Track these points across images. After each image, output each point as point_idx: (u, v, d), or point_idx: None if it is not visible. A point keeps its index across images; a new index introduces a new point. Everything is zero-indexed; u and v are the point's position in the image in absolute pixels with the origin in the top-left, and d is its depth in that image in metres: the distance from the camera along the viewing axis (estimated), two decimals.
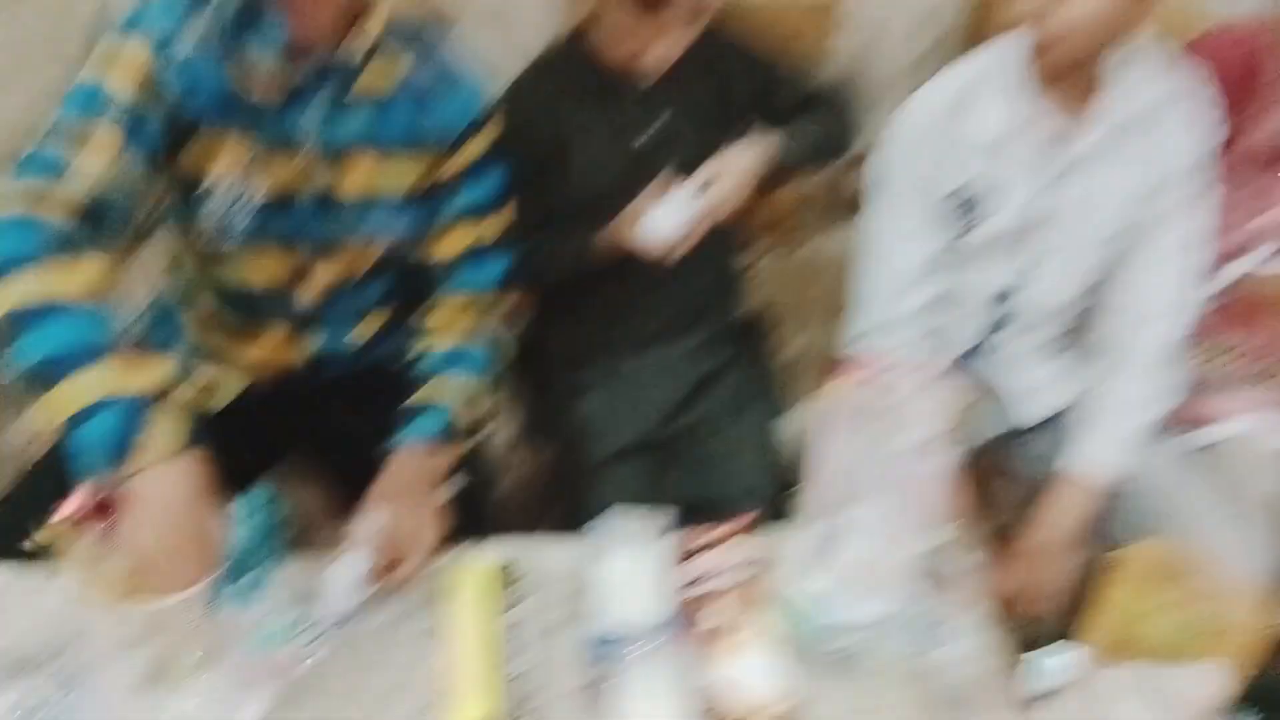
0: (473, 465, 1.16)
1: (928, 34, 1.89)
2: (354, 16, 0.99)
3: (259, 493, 0.81)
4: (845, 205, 1.48)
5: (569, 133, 1.26)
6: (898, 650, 0.96)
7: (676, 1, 1.14)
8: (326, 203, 1.05)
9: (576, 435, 1.32)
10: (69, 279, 0.83)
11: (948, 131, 1.21)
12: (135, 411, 0.78)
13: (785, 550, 1.02)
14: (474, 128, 1.09)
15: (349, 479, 1.15)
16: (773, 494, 1.27)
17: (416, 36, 1.06)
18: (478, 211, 1.13)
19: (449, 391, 1.09)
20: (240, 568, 0.77)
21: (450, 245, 1.14)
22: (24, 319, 0.81)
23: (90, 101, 0.91)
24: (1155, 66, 1.20)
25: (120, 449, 0.77)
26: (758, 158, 1.25)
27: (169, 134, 0.95)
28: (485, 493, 1.24)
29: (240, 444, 1.06)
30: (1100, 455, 1.24)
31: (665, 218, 1.20)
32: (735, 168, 1.23)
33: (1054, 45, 1.12)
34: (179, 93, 0.95)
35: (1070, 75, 1.16)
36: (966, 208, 1.23)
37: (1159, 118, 1.19)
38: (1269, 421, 1.35)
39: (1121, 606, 0.96)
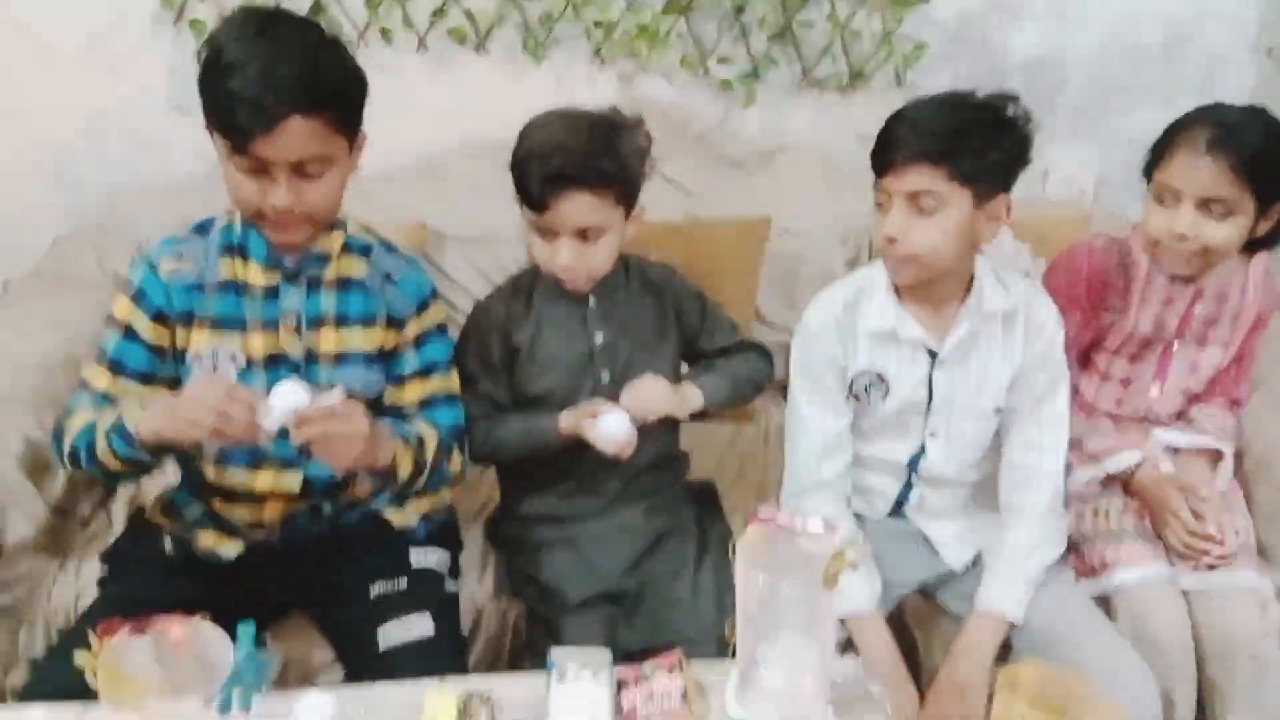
0: (451, 618, 1.33)
1: (850, 241, 2.16)
2: (324, 228, 1.31)
3: (248, 623, 0.96)
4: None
5: (540, 327, 1.50)
6: None
7: (560, 229, 1.39)
8: (309, 359, 1.33)
9: (542, 590, 1.47)
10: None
11: (845, 324, 1.45)
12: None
13: (718, 682, 1.16)
14: (418, 309, 1.39)
15: (337, 631, 1.33)
16: (719, 639, 1.41)
17: (370, 247, 1.38)
18: (426, 371, 1.40)
19: (426, 431, 1.35)
20: (234, 682, 0.91)
21: (409, 394, 1.40)
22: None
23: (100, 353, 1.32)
24: (1009, 272, 1.46)
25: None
26: (678, 404, 1.47)
27: (161, 341, 1.30)
28: (464, 643, 1.41)
29: (239, 599, 1.25)
30: (1004, 593, 1.41)
31: (614, 425, 1.41)
32: (653, 402, 1.44)
33: (904, 267, 1.37)
34: (161, 307, 1.29)
35: (928, 286, 1.40)
36: (868, 386, 1.46)
37: (1015, 317, 1.43)
38: (1159, 570, 1.51)
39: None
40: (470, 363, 1.51)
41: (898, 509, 1.56)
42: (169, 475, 1.44)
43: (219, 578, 1.35)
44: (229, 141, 1.18)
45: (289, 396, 1.16)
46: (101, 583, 1.39)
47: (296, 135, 1.17)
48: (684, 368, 1.63)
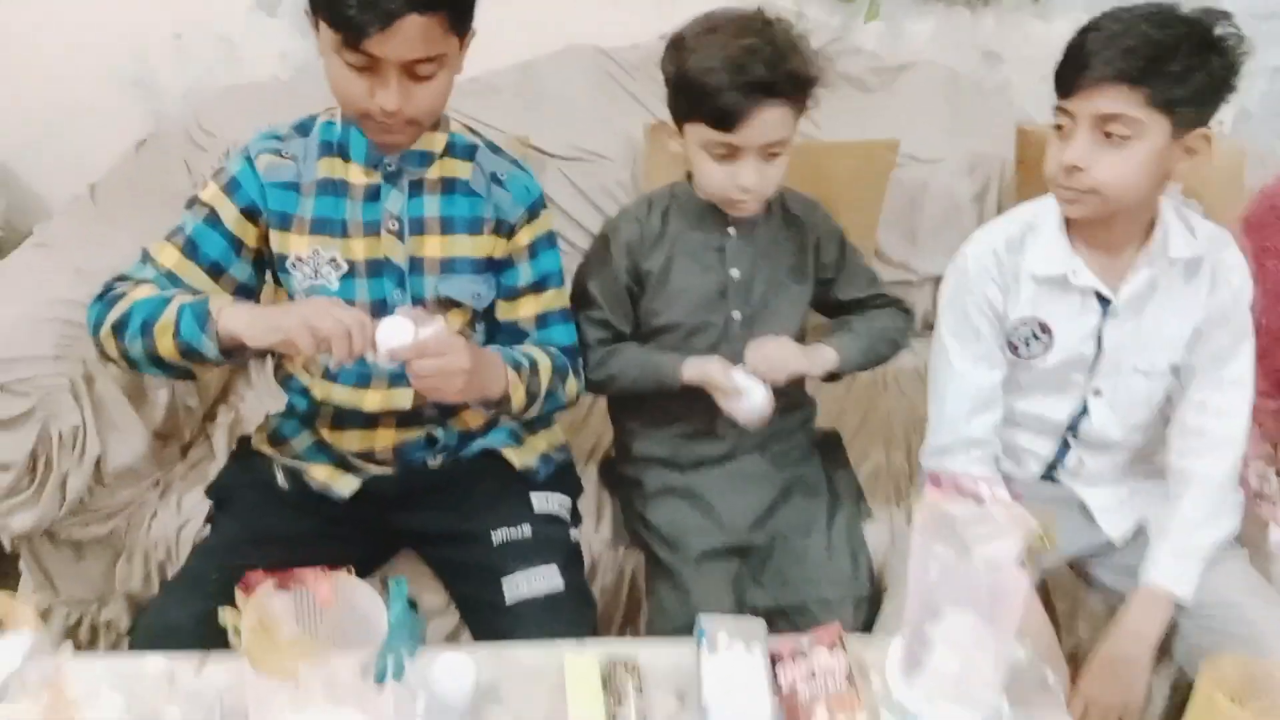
0: (578, 571, 1.25)
1: (978, 171, 2.00)
2: (425, 130, 1.22)
3: (400, 580, 0.87)
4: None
5: (673, 255, 1.38)
6: None
7: (746, 148, 1.25)
8: (412, 267, 1.24)
9: (661, 540, 1.38)
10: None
11: (1008, 266, 1.31)
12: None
13: (875, 659, 1.07)
14: (529, 215, 1.29)
15: (455, 576, 1.25)
16: (856, 601, 1.32)
17: (475, 148, 1.29)
18: (540, 285, 1.31)
19: (541, 358, 1.27)
20: (389, 648, 0.83)
21: (523, 310, 1.31)
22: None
23: (174, 230, 1.22)
24: (1193, 218, 1.30)
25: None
26: (808, 365, 1.36)
27: (244, 236, 1.22)
28: (592, 599, 1.32)
29: (353, 536, 1.17)
30: (1174, 570, 1.29)
31: (757, 403, 1.31)
32: (781, 363, 1.33)
33: (1083, 200, 1.22)
34: (255, 201, 1.21)
35: (1106, 225, 1.26)
36: (1029, 338, 1.32)
37: (1200, 265, 1.29)
38: None
39: None
40: (592, 285, 1.39)
41: (1050, 472, 1.43)
42: (268, 402, 1.36)
43: (333, 515, 1.27)
44: (339, 36, 1.08)
45: (392, 337, 1.07)
46: (210, 518, 1.32)
47: (413, 34, 1.08)
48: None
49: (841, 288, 1.47)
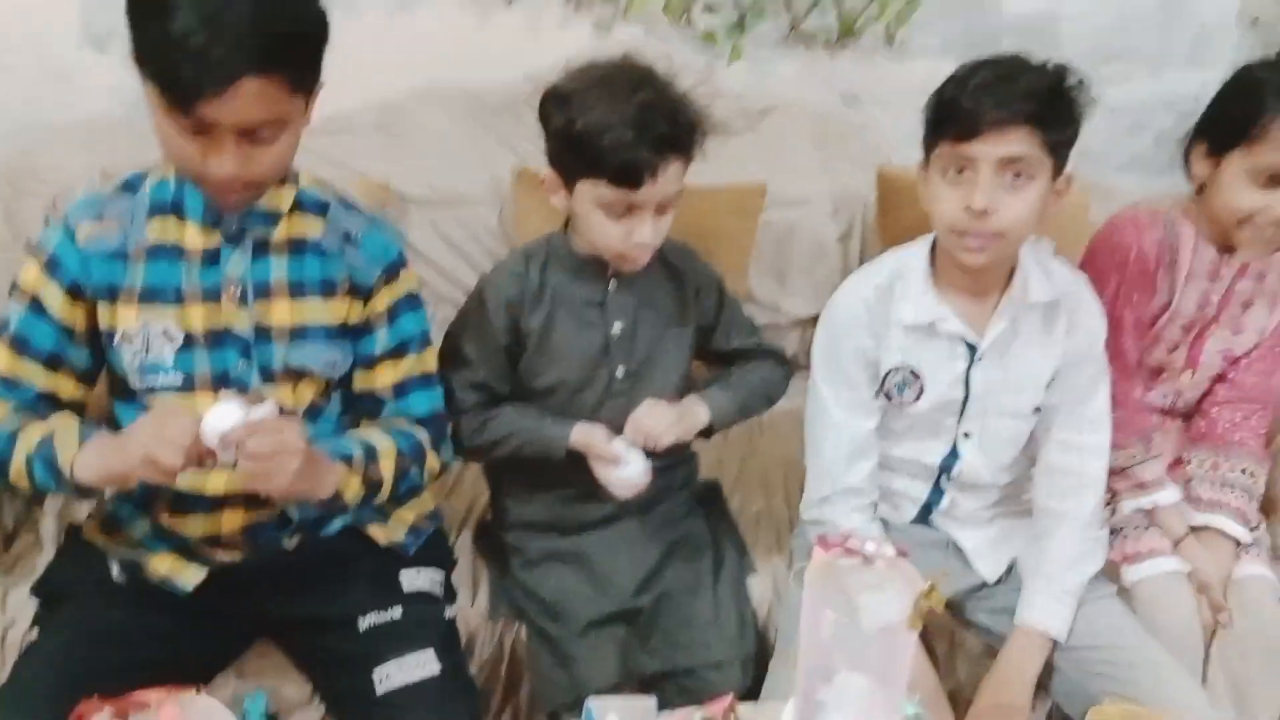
0: (455, 651, 1.18)
1: (843, 213, 2.03)
2: (270, 187, 1.13)
3: (256, 696, 0.79)
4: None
5: (554, 312, 1.33)
6: None
7: (645, 204, 1.22)
8: (258, 336, 1.15)
9: (544, 610, 1.32)
10: None
11: (878, 315, 1.33)
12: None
13: (770, 714, 1.04)
14: (387, 275, 1.20)
15: (320, 667, 1.16)
16: (743, 661, 1.29)
17: (327, 204, 1.19)
18: (397, 352, 1.23)
19: (380, 441, 1.18)
20: None
21: (381, 378, 1.23)
22: None
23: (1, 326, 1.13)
24: (1050, 263, 1.34)
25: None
26: (684, 430, 1.34)
27: (73, 320, 1.12)
28: (472, 680, 1.25)
29: (203, 631, 1.06)
30: (1049, 609, 1.32)
31: (634, 476, 1.29)
32: (658, 434, 1.30)
33: (987, 246, 1.23)
34: (77, 279, 1.10)
35: (975, 274, 1.29)
36: (901, 384, 1.33)
37: (1057, 308, 1.33)
38: (1175, 562, 1.46)
39: None
40: (468, 346, 1.33)
41: (925, 515, 1.44)
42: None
43: (179, 609, 1.15)
44: (167, 98, 0.98)
45: (221, 421, 0.99)
46: (37, 619, 1.18)
47: (251, 98, 0.98)
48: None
49: (721, 338, 1.45)
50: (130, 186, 1.15)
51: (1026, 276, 1.31)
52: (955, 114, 1.21)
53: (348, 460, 1.13)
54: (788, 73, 2.22)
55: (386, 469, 1.17)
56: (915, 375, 1.33)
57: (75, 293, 1.11)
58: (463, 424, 1.33)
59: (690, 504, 1.48)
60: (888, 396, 1.35)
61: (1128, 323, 1.49)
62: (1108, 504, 1.52)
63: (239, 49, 0.95)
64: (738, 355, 1.45)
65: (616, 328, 1.34)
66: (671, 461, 1.41)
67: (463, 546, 1.46)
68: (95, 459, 1.02)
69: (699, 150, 1.26)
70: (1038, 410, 1.36)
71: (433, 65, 1.96)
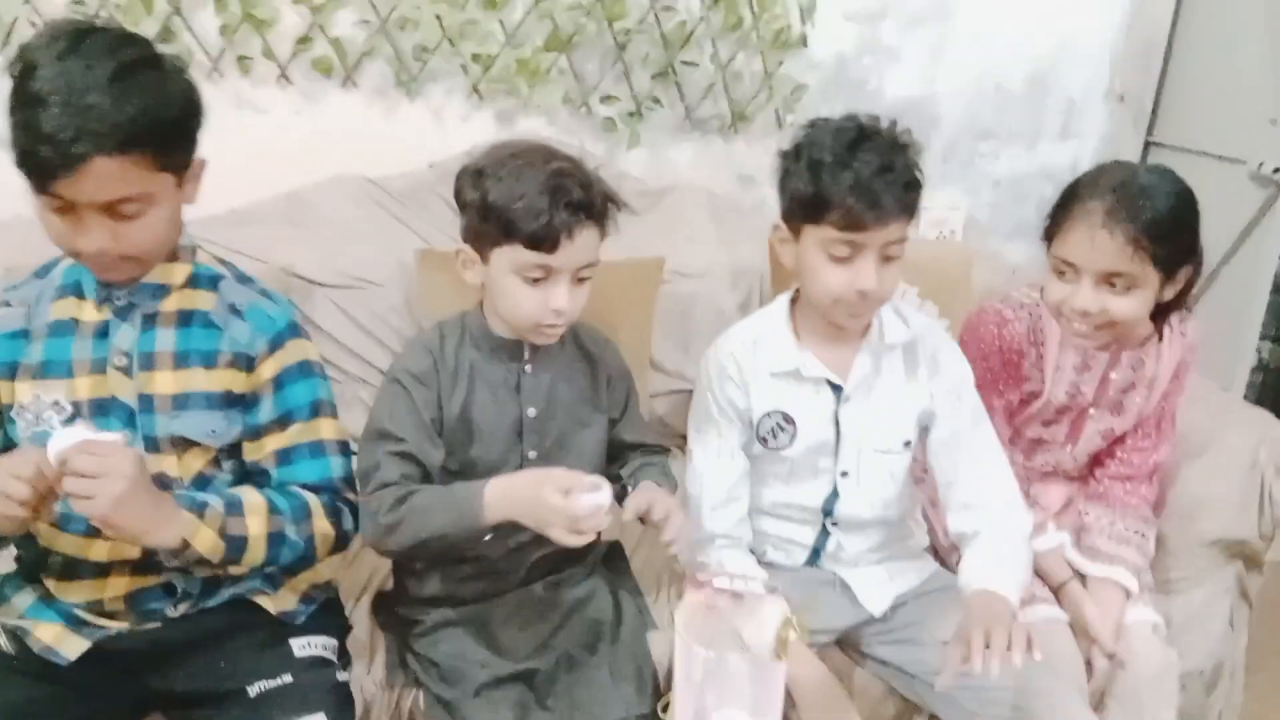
0: (345, 708, 1.19)
1: (741, 283, 2.12)
2: (155, 263, 1.17)
3: None
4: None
5: (470, 390, 1.34)
6: None
7: (562, 270, 1.25)
8: (142, 405, 1.18)
9: (440, 676, 1.32)
10: None
11: (746, 368, 1.41)
12: None
13: None
14: (272, 346, 1.23)
15: None
16: (642, 718, 1.29)
17: (219, 278, 1.24)
18: (283, 420, 1.24)
19: (250, 496, 1.18)
20: None
21: (265, 447, 1.24)
22: None
23: None
24: (906, 311, 1.43)
25: None
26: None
27: None
28: None
29: (89, 704, 1.06)
30: (998, 576, 1.31)
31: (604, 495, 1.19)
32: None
33: (864, 314, 1.35)
34: None
35: (835, 327, 1.38)
36: (775, 429, 1.41)
37: (915, 348, 1.41)
38: (1055, 613, 1.55)
39: None
40: (389, 421, 1.29)
41: (814, 558, 1.49)
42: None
43: (66, 680, 1.15)
44: (29, 179, 1.04)
45: (61, 442, 1.01)
46: None
47: (103, 177, 1.03)
48: None
49: (625, 429, 1.46)
50: (44, 271, 1.21)
51: (883, 322, 1.40)
52: (835, 208, 1.27)
53: (200, 510, 1.12)
54: (684, 157, 2.33)
55: (254, 525, 1.16)
56: (788, 420, 1.40)
57: None
58: (385, 496, 1.25)
59: (591, 566, 1.50)
60: (763, 442, 1.42)
61: (997, 406, 1.57)
62: None
63: (91, 131, 1.00)
64: (638, 448, 1.47)
65: (530, 411, 1.36)
66: None
67: (359, 615, 1.46)
68: None
69: (611, 223, 1.31)
70: (908, 445, 1.43)
71: (339, 157, 2.03)
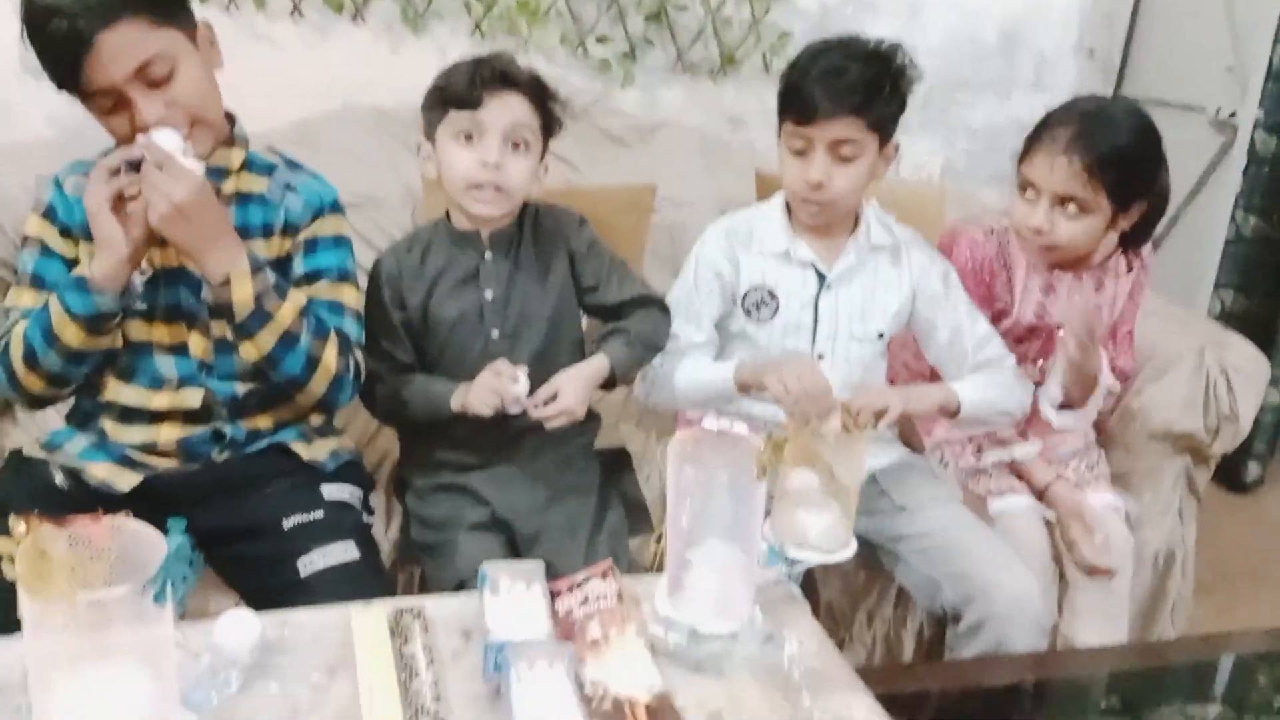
0: (372, 547, 1.33)
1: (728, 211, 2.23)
2: (213, 125, 1.31)
3: (179, 519, 0.91)
4: None
5: (432, 288, 1.47)
6: (747, 655, 1.11)
7: (489, 128, 1.38)
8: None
9: (433, 527, 1.44)
10: None
11: (740, 244, 1.55)
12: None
13: (645, 591, 1.17)
14: (314, 216, 1.37)
15: (247, 570, 1.26)
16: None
17: (273, 166, 1.38)
18: (310, 278, 1.36)
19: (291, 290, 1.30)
20: (166, 571, 0.86)
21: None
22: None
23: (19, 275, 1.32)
24: (889, 221, 1.57)
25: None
26: (592, 378, 1.45)
27: (71, 253, 1.30)
28: (386, 572, 1.38)
29: None
30: (967, 385, 1.53)
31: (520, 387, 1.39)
32: (572, 388, 1.41)
33: (824, 210, 1.49)
34: (66, 222, 1.29)
35: (825, 222, 1.51)
36: (760, 302, 1.55)
37: (899, 254, 1.55)
38: (1029, 503, 1.66)
39: None
40: (371, 321, 1.46)
41: None
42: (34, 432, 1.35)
43: (115, 512, 1.25)
44: (64, 85, 1.18)
45: (160, 137, 1.18)
46: None
47: (116, 49, 1.16)
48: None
49: (606, 292, 1.55)
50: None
51: (868, 225, 1.54)
52: (795, 101, 1.44)
53: (256, 267, 1.23)
54: (675, 98, 2.45)
55: (285, 312, 1.25)
56: (772, 295, 1.55)
57: (66, 233, 1.30)
58: (376, 390, 1.46)
59: (586, 459, 1.58)
60: (747, 313, 1.56)
61: None
62: (974, 453, 1.71)
63: (85, 12, 1.13)
64: (624, 307, 1.56)
65: (489, 294, 1.47)
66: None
67: (377, 497, 1.56)
68: (96, 258, 1.19)
69: (545, 103, 1.43)
70: (881, 336, 1.57)
71: (347, 89, 2.14)
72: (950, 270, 1.58)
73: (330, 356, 1.31)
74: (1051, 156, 1.51)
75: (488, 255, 1.48)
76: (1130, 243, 1.64)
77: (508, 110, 1.39)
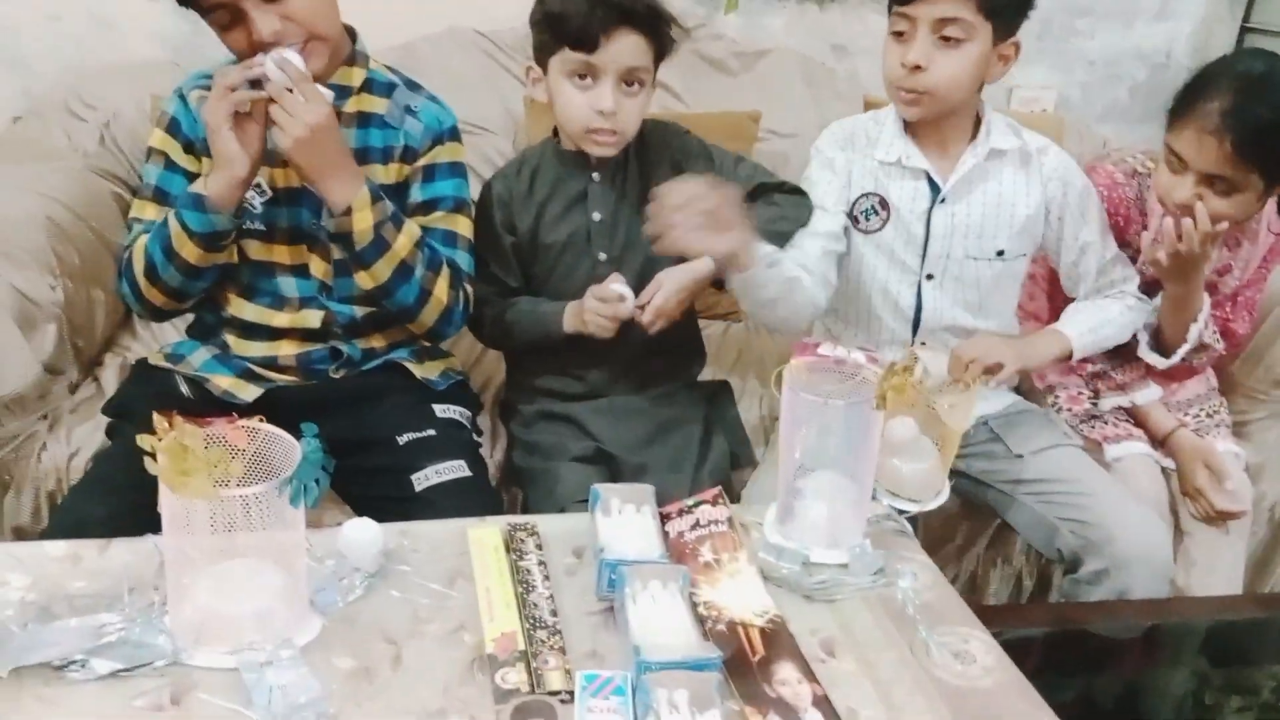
0: (482, 466, 1.35)
1: None
2: (334, 45, 1.30)
3: (311, 425, 0.93)
4: None
5: (541, 210, 1.45)
6: (859, 586, 1.10)
7: (605, 69, 1.34)
8: None
9: (539, 454, 1.45)
10: None
11: (858, 146, 1.49)
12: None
13: (754, 520, 1.17)
14: (433, 142, 1.37)
15: (363, 483, 1.29)
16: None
17: (394, 85, 1.38)
18: (427, 206, 1.36)
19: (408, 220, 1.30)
20: (301, 474, 0.89)
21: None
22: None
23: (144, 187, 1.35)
24: (1018, 126, 1.47)
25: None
26: (695, 276, 1.38)
27: (196, 167, 1.32)
28: (490, 484, 1.40)
29: None
30: (1080, 327, 1.48)
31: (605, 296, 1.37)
32: (672, 283, 1.37)
33: (921, 100, 1.37)
34: (190, 137, 1.31)
35: (937, 124, 1.42)
36: (870, 211, 1.48)
37: (1031, 160, 1.45)
38: (1145, 449, 1.61)
39: None
40: (479, 244, 1.45)
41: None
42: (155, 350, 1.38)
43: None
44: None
45: (289, 61, 1.18)
46: (110, 430, 1.33)
47: None
48: None
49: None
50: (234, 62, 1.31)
51: (990, 127, 1.44)
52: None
53: (376, 197, 1.24)
54: (779, 24, 2.38)
55: (401, 242, 1.26)
56: (884, 204, 1.46)
57: (189, 147, 1.31)
58: (484, 314, 1.46)
59: (690, 393, 1.56)
60: (854, 220, 1.48)
61: None
62: (1090, 399, 1.65)
63: None
64: (759, 192, 1.48)
65: (596, 216, 1.46)
66: (678, 347, 1.53)
67: (483, 419, 1.58)
68: (211, 175, 1.21)
69: (664, 40, 1.38)
70: (1000, 254, 1.47)
71: (449, 11, 2.13)
72: (1091, 189, 1.49)
73: (442, 289, 1.32)
74: (1200, 134, 1.39)
75: (595, 177, 1.46)
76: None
77: (625, 51, 1.34)
